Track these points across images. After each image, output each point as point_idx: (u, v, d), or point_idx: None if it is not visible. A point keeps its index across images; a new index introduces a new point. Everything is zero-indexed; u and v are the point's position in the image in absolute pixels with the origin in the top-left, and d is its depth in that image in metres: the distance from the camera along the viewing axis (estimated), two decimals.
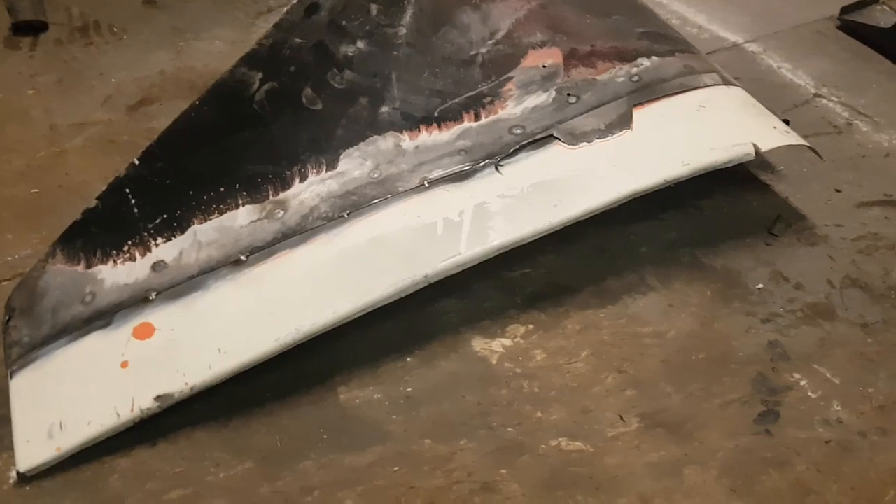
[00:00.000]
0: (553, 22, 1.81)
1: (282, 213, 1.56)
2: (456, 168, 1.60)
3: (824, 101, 2.16)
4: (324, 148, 1.65)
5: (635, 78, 1.70)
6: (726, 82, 1.77)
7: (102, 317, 1.48)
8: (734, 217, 1.79)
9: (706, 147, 1.58)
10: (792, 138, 1.69)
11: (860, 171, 1.91)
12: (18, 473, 1.34)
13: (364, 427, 1.42)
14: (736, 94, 1.76)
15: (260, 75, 1.79)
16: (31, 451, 1.35)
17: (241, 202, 1.58)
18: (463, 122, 1.67)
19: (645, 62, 1.73)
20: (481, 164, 1.59)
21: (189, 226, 1.57)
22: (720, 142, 1.59)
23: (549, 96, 1.68)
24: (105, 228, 1.60)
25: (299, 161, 1.63)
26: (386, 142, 1.66)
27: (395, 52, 1.80)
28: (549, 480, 1.32)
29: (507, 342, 1.55)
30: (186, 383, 1.38)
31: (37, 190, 1.97)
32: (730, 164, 1.59)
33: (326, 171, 1.61)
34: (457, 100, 1.71)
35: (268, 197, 1.58)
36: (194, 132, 1.72)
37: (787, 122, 1.81)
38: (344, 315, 1.43)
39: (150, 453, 1.39)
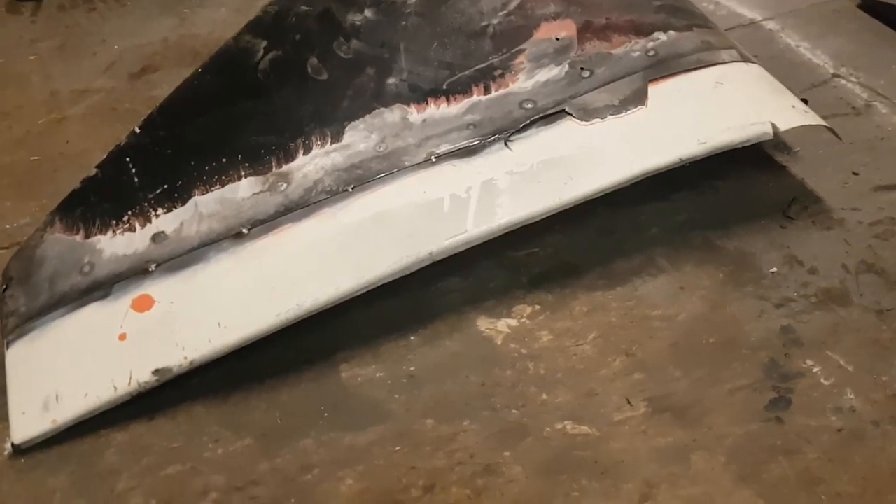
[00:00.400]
0: None
1: (285, 185, 1.52)
2: (464, 143, 1.55)
3: (843, 81, 2.10)
4: (329, 119, 1.61)
5: (651, 52, 1.64)
6: (744, 59, 1.71)
7: (101, 288, 1.45)
8: (748, 198, 1.74)
9: (723, 125, 1.53)
10: (811, 118, 1.64)
11: (878, 154, 1.86)
12: (13, 445, 1.32)
13: (365, 406, 1.39)
14: (754, 71, 1.71)
15: (264, 43, 1.74)
16: (27, 423, 1.33)
17: (243, 174, 1.54)
18: (472, 95, 1.62)
19: (661, 36, 1.67)
20: (490, 140, 1.55)
21: (190, 197, 1.53)
22: (737, 120, 1.55)
23: (561, 70, 1.63)
24: (105, 198, 1.57)
25: (303, 133, 1.59)
26: (392, 114, 1.61)
27: (404, 22, 1.75)
28: (552, 464, 1.30)
29: (512, 322, 1.52)
30: (185, 357, 1.36)
31: (36, 157, 1.94)
32: (747, 144, 1.54)
33: (331, 143, 1.57)
34: (466, 72, 1.66)
35: (271, 169, 1.55)
36: (197, 101, 1.68)
37: (805, 101, 1.76)
38: (347, 291, 1.40)
39: (147, 427, 1.37)
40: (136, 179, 1.57)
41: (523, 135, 1.56)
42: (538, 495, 1.26)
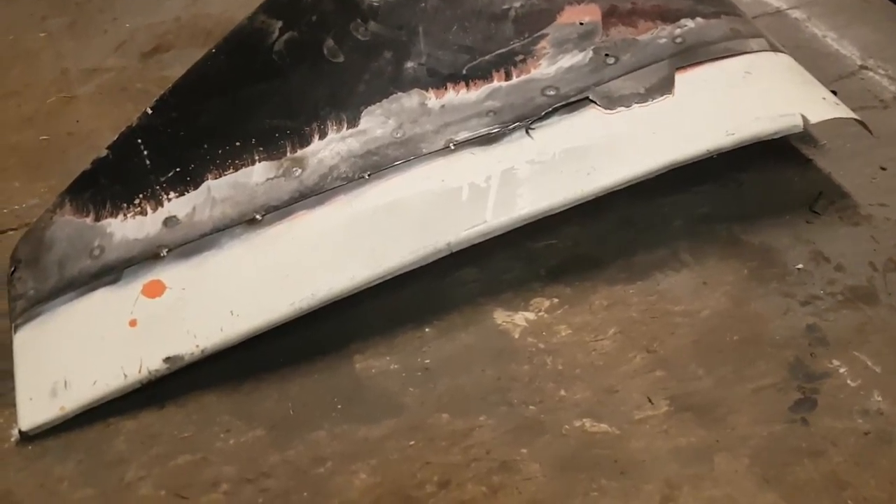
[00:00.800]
0: None
1: (299, 171, 1.48)
2: (484, 130, 1.51)
3: (870, 73, 2.05)
4: (345, 104, 1.57)
5: (678, 39, 1.59)
6: (773, 48, 1.66)
7: (111, 272, 1.42)
8: (774, 192, 1.70)
9: (752, 116, 1.49)
10: (842, 111, 1.59)
11: None
12: (20, 432, 1.29)
13: (379, 398, 1.36)
14: (784, 61, 1.66)
15: (280, 24, 1.70)
16: (34, 409, 1.30)
17: (257, 158, 1.51)
18: (492, 81, 1.58)
19: (689, 23, 1.62)
20: (511, 127, 1.51)
21: (203, 181, 1.50)
22: (767, 111, 1.50)
23: (585, 56, 1.58)
24: (115, 180, 1.54)
25: (319, 117, 1.55)
26: (410, 99, 1.57)
27: (423, 4, 1.70)
28: (570, 462, 1.27)
29: (530, 316, 1.48)
30: (197, 346, 1.33)
31: (45, 137, 1.91)
32: (776, 136, 1.50)
33: (347, 128, 1.53)
34: (486, 57, 1.61)
35: (285, 154, 1.51)
36: (210, 82, 1.64)
37: (834, 93, 1.71)
38: (362, 281, 1.36)
39: (157, 416, 1.34)
40: (147, 162, 1.54)
41: (545, 123, 1.51)
42: (556, 494, 1.23)
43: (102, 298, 1.40)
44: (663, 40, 1.60)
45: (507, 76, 1.58)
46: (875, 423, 1.31)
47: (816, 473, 1.25)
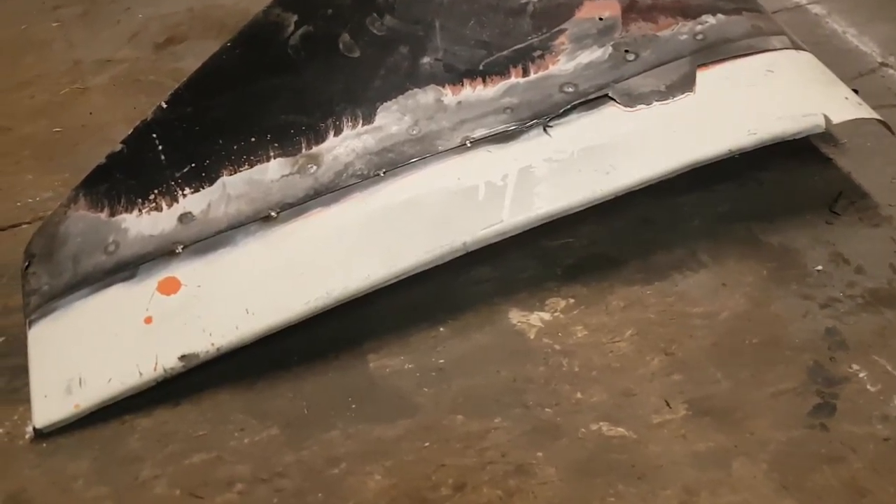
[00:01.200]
0: None
1: (314, 168, 1.47)
2: (501, 127, 1.49)
3: (891, 70, 2.02)
4: (360, 100, 1.55)
5: (699, 36, 1.57)
6: (795, 46, 1.64)
7: (126, 268, 1.42)
8: (793, 191, 1.68)
9: (774, 116, 1.47)
10: (864, 111, 1.57)
11: None
12: (35, 429, 1.29)
13: (393, 398, 1.35)
14: (806, 59, 1.63)
15: (295, 17, 1.68)
16: (49, 406, 1.30)
17: (272, 154, 1.50)
18: (510, 77, 1.56)
19: (710, 19, 1.60)
20: (528, 125, 1.49)
21: (218, 177, 1.49)
22: (789, 111, 1.48)
23: (604, 52, 1.56)
24: (130, 175, 1.53)
25: (334, 113, 1.54)
26: (426, 96, 1.55)
27: None
28: (587, 466, 1.26)
29: (545, 316, 1.47)
30: (212, 344, 1.32)
31: (58, 129, 1.90)
32: (798, 136, 1.47)
33: (362, 125, 1.52)
34: (504, 52, 1.59)
35: (300, 150, 1.50)
36: (224, 77, 1.62)
37: (856, 91, 1.68)
38: (377, 281, 1.35)
39: (172, 413, 1.34)
40: (162, 157, 1.53)
41: (563, 120, 1.50)
42: (572, 499, 1.22)
43: (117, 295, 1.39)
44: (684, 37, 1.57)
45: (525, 72, 1.56)
46: (895, 430, 1.30)
47: (835, 480, 1.24)
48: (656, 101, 1.49)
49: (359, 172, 1.46)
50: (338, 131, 1.52)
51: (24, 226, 1.64)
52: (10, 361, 1.40)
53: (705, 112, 1.47)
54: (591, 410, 1.33)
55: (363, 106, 1.54)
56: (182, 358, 1.31)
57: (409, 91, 1.56)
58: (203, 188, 1.47)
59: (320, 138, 1.51)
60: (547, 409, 1.33)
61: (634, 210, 1.61)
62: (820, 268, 1.54)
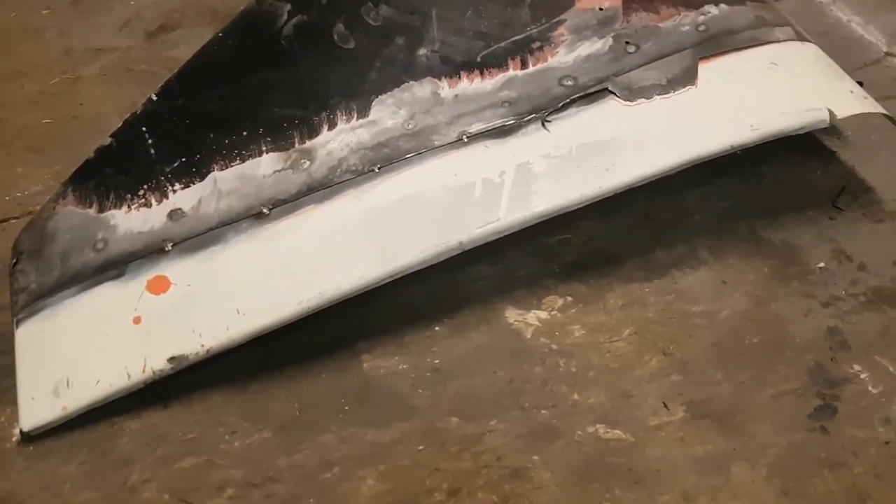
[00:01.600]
0: None
1: (308, 163, 1.44)
2: (498, 122, 1.46)
3: None
4: (355, 92, 1.52)
5: (702, 28, 1.53)
6: (800, 38, 1.60)
7: (115, 266, 1.39)
8: (796, 186, 1.64)
9: (777, 110, 1.43)
10: (870, 105, 1.53)
11: None
12: (22, 432, 1.27)
13: (388, 400, 1.33)
14: (810, 51, 1.59)
15: (288, 7, 1.64)
16: (36, 409, 1.28)
17: (264, 149, 1.46)
18: (508, 69, 1.52)
19: (713, 10, 1.56)
20: (526, 119, 1.46)
21: (209, 172, 1.45)
22: (793, 105, 1.44)
23: (604, 44, 1.52)
24: (119, 170, 1.50)
25: (328, 106, 1.50)
26: (422, 89, 1.52)
27: None
28: (584, 470, 1.24)
29: (542, 315, 1.44)
30: (202, 345, 1.29)
31: (49, 120, 1.87)
32: (801, 132, 1.44)
33: (357, 118, 1.49)
34: (502, 44, 1.56)
35: (293, 145, 1.46)
36: (216, 69, 1.58)
37: (860, 84, 1.65)
38: (371, 280, 1.33)
39: (162, 415, 1.31)
40: (152, 151, 1.49)
41: (562, 114, 1.46)
42: None
43: (106, 294, 1.37)
44: (686, 28, 1.54)
45: (524, 64, 1.53)
46: None
47: (836, 485, 1.22)
48: (657, 94, 1.46)
49: (353, 168, 1.43)
50: (332, 125, 1.48)
51: (12, 221, 1.61)
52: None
53: (707, 106, 1.44)
54: (588, 412, 1.30)
55: (358, 99, 1.51)
56: (171, 360, 1.29)
57: (405, 84, 1.52)
58: (193, 183, 1.44)
59: (314, 132, 1.48)
60: (543, 411, 1.31)
61: (635, 205, 1.58)
62: (822, 265, 1.51)
